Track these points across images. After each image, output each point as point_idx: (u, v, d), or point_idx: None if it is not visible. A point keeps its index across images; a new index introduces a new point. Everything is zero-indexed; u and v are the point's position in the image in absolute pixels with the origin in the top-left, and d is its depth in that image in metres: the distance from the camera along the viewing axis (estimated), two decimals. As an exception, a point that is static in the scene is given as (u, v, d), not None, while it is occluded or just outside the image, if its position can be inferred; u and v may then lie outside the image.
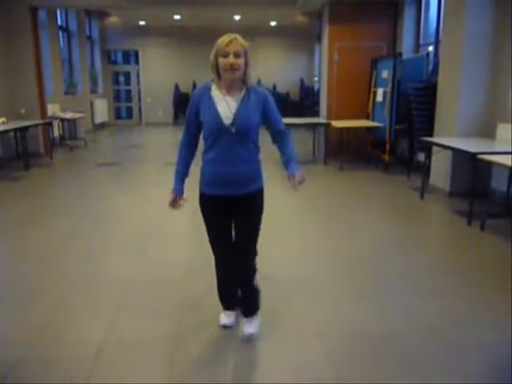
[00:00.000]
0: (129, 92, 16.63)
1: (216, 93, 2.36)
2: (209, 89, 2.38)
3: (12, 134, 8.13)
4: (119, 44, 15.76)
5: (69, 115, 10.41)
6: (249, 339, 2.59)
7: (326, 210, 5.44)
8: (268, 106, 2.42)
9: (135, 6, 9.65)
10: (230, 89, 2.34)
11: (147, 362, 2.42)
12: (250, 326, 2.62)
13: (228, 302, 2.75)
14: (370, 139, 8.23)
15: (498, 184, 5.55)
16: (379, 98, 7.88)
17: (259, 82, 15.70)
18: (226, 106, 2.33)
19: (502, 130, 5.39)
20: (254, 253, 2.57)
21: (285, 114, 12.19)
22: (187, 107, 2.43)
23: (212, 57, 2.30)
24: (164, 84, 15.48)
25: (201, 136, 2.46)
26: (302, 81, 15.82)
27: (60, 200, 5.90)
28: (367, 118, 8.38)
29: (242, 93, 2.36)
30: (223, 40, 2.26)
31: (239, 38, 2.28)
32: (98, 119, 14.19)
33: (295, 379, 2.29)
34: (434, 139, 5.77)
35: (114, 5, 10.42)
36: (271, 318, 2.83)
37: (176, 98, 15.84)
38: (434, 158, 6.15)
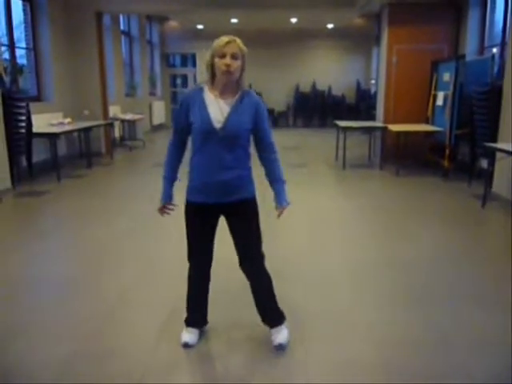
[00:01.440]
0: (185, 94, 16.98)
1: (208, 95, 2.26)
2: (201, 90, 2.28)
3: (76, 133, 8.53)
4: (177, 47, 16.16)
5: (129, 116, 10.77)
6: (279, 349, 2.48)
7: (381, 215, 5.32)
8: (260, 114, 2.30)
9: (195, 11, 9.86)
10: (223, 91, 2.25)
11: (200, 361, 2.47)
12: (278, 337, 2.50)
13: (194, 318, 2.59)
14: (428, 144, 7.97)
15: None
16: (439, 102, 7.62)
17: (314, 84, 15.63)
18: (217, 109, 2.23)
19: None
20: (260, 256, 2.45)
21: (340, 117, 11.96)
22: (176, 109, 2.34)
23: (208, 57, 2.21)
24: (219, 86, 15.72)
25: (189, 140, 2.38)
26: (358, 83, 15.59)
27: (118, 197, 6.12)
28: (426, 122, 8.13)
29: (236, 97, 2.26)
30: (221, 40, 2.17)
31: (238, 40, 2.21)
32: (156, 121, 14.60)
33: (332, 380, 2.28)
34: (499, 145, 5.50)
35: (175, 10, 10.71)
36: (324, 320, 2.82)
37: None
38: (497, 164, 5.87)
